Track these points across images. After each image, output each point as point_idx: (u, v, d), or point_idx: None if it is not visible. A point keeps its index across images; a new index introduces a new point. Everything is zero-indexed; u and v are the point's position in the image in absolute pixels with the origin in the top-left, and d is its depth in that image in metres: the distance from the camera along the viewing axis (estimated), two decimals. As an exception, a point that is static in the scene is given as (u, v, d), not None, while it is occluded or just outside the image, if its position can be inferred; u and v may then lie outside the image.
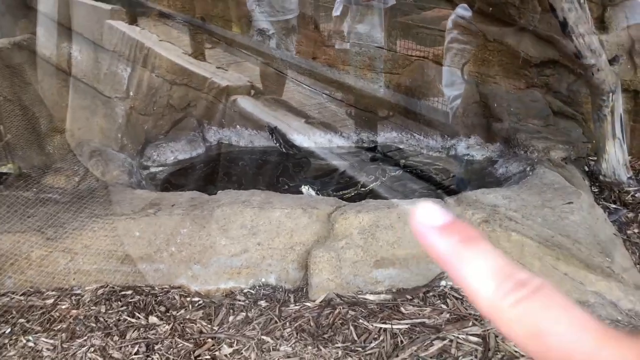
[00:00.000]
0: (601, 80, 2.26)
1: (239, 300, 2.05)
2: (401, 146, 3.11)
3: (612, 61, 2.31)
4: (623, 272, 1.85)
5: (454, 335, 1.71)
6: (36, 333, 1.93)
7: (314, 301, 1.98)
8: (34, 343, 1.88)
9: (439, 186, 2.65)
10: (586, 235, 1.93)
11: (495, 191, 2.20)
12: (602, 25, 2.77)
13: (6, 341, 1.90)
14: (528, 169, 2.51)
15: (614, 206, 2.50)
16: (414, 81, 3.15)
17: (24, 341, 1.88)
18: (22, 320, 2.00)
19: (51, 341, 1.88)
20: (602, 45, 2.47)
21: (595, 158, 2.68)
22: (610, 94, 2.32)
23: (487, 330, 1.72)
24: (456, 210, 2.08)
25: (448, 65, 3.25)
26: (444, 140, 3.07)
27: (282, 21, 3.92)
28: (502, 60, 3.02)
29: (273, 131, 3.15)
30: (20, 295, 2.14)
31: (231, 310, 1.99)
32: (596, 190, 2.65)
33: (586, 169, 2.78)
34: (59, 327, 1.96)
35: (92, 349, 1.84)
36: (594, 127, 2.55)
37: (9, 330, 1.95)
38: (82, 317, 2.00)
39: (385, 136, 3.15)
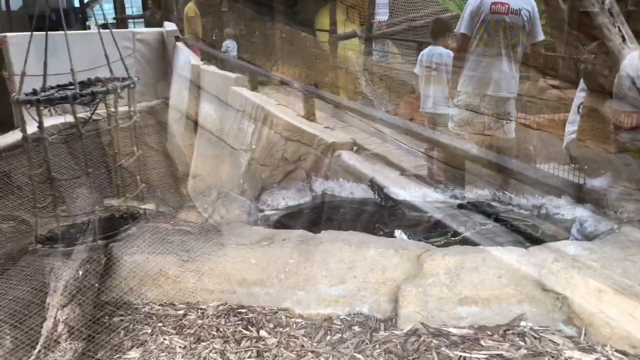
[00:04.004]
0: (686, 144, 2.36)
1: (336, 324, 2.35)
2: (492, 203, 3.32)
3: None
4: None
5: (529, 368, 1.88)
6: (170, 335, 2.36)
7: (401, 330, 2.22)
8: (169, 342, 2.30)
9: (527, 239, 2.81)
10: (667, 288, 2.02)
11: (577, 243, 2.35)
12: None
13: (148, 338, 2.34)
14: (616, 227, 2.61)
15: None
16: (505, 142, 3.38)
17: (162, 340, 2.31)
18: (159, 324, 2.44)
19: (182, 342, 2.29)
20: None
21: (691, 222, 2.71)
22: (700, 159, 2.40)
23: (562, 366, 1.87)
24: (539, 258, 2.26)
25: (574, 106, 3.49)
26: (535, 198, 3.22)
27: None
28: (593, 126, 3.17)
29: (373, 185, 3.52)
30: (158, 305, 2.60)
31: (329, 332, 2.29)
32: (692, 253, 2.65)
33: (682, 233, 2.79)
34: (188, 332, 2.37)
35: (213, 351, 2.21)
36: (686, 190, 2.61)
37: (149, 330, 2.40)
38: (206, 327, 2.40)
39: (477, 192, 3.38)
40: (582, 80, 3.46)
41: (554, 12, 5.34)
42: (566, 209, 3.09)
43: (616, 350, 1.92)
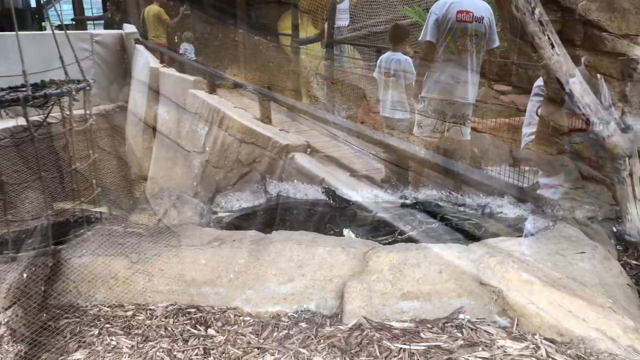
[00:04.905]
0: (613, 145, 2.52)
1: (283, 321, 2.39)
2: (440, 203, 3.43)
3: (624, 130, 2.57)
4: (627, 315, 2.04)
5: (464, 357, 1.96)
6: (118, 335, 2.35)
7: (346, 325, 2.29)
8: (116, 342, 2.30)
9: (470, 237, 2.92)
10: (592, 279, 2.15)
11: (514, 239, 2.47)
12: (624, 97, 3.03)
13: (95, 340, 2.33)
14: (552, 224, 2.75)
15: (635, 262, 2.67)
16: (451, 144, 3.51)
17: (109, 340, 2.31)
18: (107, 325, 2.44)
19: (130, 342, 2.29)
20: (623, 114, 2.74)
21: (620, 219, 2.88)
22: (627, 159, 2.56)
23: (494, 355, 1.96)
24: (477, 253, 2.37)
25: (529, 110, 3.61)
26: (480, 198, 3.36)
27: None
28: (537, 129, 3.33)
29: (327, 188, 3.59)
30: (107, 307, 2.59)
31: (276, 328, 2.33)
32: (621, 248, 2.82)
33: (614, 229, 2.96)
34: (136, 332, 2.37)
35: (161, 350, 2.23)
36: (616, 189, 2.77)
37: (97, 332, 2.39)
38: (154, 327, 2.41)
39: (426, 193, 3.49)
40: (535, 86, 3.60)
41: (506, 20, 5.53)
42: (508, 208, 3.23)
43: (545, 339, 2.03)
